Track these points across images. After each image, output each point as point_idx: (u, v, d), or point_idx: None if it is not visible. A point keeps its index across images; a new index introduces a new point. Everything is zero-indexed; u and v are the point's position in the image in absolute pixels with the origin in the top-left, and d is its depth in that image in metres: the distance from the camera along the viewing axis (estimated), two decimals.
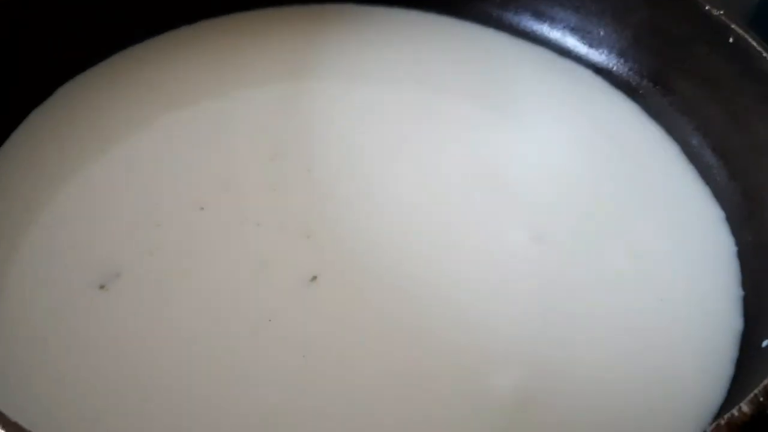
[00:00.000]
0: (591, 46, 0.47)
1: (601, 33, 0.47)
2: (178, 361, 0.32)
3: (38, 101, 0.41)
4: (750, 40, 0.38)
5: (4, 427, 0.22)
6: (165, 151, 0.41)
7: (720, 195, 0.40)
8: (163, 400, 0.30)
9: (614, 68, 0.46)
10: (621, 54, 0.46)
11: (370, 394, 0.31)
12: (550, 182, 0.41)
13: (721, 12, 0.40)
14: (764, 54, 0.37)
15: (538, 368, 0.33)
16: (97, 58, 0.44)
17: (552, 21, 0.48)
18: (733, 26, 0.39)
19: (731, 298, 0.36)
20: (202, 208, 0.37)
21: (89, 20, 0.43)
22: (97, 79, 0.44)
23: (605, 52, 0.47)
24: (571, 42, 0.48)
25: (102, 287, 0.34)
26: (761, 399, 0.24)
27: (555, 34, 0.48)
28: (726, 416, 0.23)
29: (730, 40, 0.39)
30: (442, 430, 0.31)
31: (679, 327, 0.35)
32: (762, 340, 0.32)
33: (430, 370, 0.32)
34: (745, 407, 0.23)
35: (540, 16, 0.49)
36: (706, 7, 0.40)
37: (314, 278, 0.34)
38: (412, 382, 0.32)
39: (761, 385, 0.24)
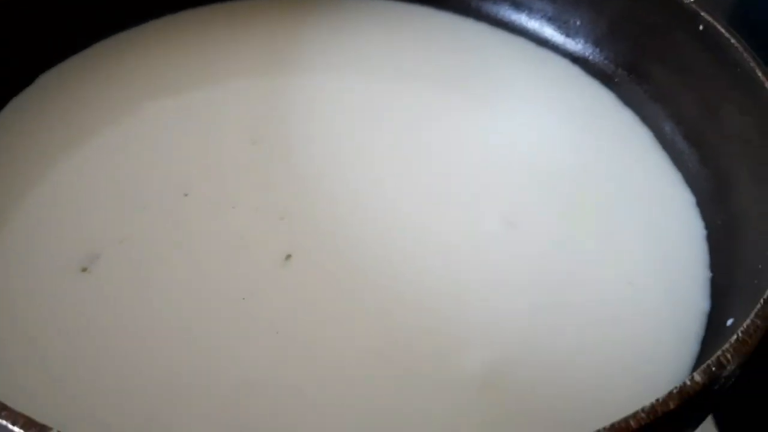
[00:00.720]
0: (568, 35, 0.48)
1: (578, 23, 0.48)
2: (157, 340, 0.32)
3: (19, 89, 0.42)
4: (719, 27, 0.39)
5: None
6: (147, 138, 0.41)
7: (691, 180, 0.41)
8: (143, 377, 0.31)
9: (590, 57, 0.47)
10: (596, 43, 0.47)
11: (342, 369, 0.32)
12: (525, 168, 0.42)
13: (692, 0, 0.40)
14: (732, 41, 0.38)
15: (507, 348, 0.34)
16: (79, 47, 0.44)
17: (530, 11, 0.49)
18: (702, 14, 0.40)
19: (699, 279, 0.37)
20: (186, 194, 0.38)
21: (71, 8, 0.43)
22: (78, 68, 0.44)
23: (581, 41, 0.48)
24: (549, 32, 0.49)
25: (84, 270, 0.34)
26: (713, 369, 0.24)
27: (533, 24, 0.49)
28: (678, 385, 0.24)
29: (700, 27, 0.40)
30: (412, 404, 0.31)
31: (647, 307, 0.36)
32: (727, 319, 0.33)
33: (400, 348, 0.33)
34: (697, 377, 0.24)
35: (518, 6, 0.49)
36: None
37: (288, 257, 0.35)
38: (383, 359, 0.32)
39: (714, 357, 0.25)
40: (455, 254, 0.37)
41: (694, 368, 0.33)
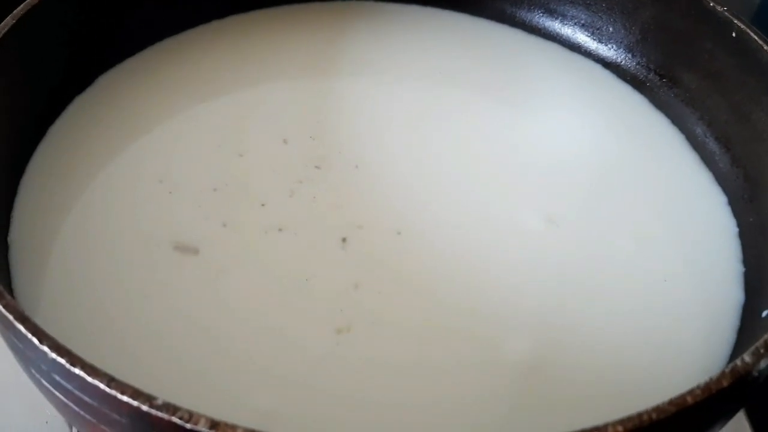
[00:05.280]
0: (600, 41, 0.50)
1: (610, 29, 0.49)
2: (238, 318, 0.34)
3: (82, 89, 0.44)
4: (752, 34, 0.40)
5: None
6: (198, 137, 0.43)
7: (722, 180, 0.43)
8: (227, 350, 0.33)
9: (622, 62, 0.49)
10: (629, 49, 0.49)
11: (395, 353, 0.34)
12: (562, 169, 0.44)
13: (725, 8, 0.42)
14: (765, 47, 0.40)
15: (550, 337, 0.35)
16: (135, 50, 0.47)
17: (563, 18, 0.51)
18: (735, 21, 0.41)
19: (733, 274, 0.39)
20: (244, 188, 0.40)
21: (128, 14, 0.46)
22: (134, 69, 0.46)
23: (614, 47, 0.49)
24: (582, 38, 0.51)
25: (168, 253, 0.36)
26: (762, 351, 0.26)
27: (566, 30, 0.51)
28: (730, 365, 0.26)
29: (733, 34, 0.42)
30: (458, 387, 0.33)
31: (684, 302, 0.37)
32: (762, 311, 0.34)
33: (450, 335, 0.35)
34: (747, 358, 0.26)
35: (552, 13, 0.51)
36: (711, 4, 0.43)
37: (344, 240, 0.37)
38: (434, 346, 0.34)
39: (761, 340, 0.27)
40: (503, 248, 0.39)
41: (732, 355, 0.35)
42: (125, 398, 0.23)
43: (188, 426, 0.23)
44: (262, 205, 0.39)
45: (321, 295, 0.35)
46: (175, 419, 0.23)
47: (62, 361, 0.24)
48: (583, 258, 0.39)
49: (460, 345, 0.35)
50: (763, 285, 0.37)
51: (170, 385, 0.29)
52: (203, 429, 0.23)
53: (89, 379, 0.24)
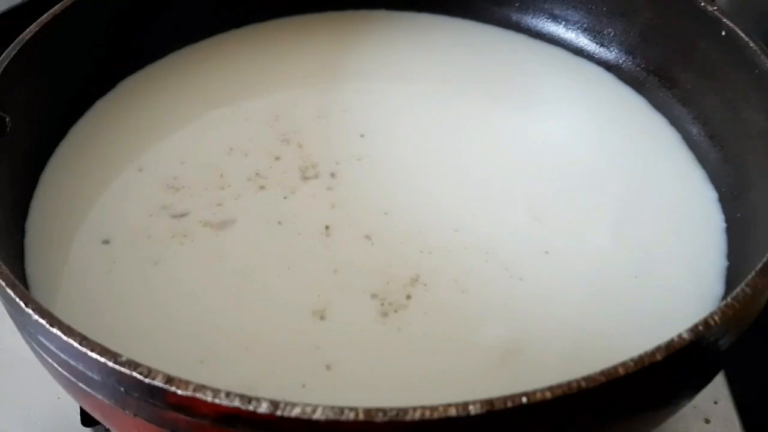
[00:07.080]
0: (602, 44, 0.51)
1: (611, 33, 0.50)
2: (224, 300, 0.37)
3: (102, 93, 0.47)
4: (739, 31, 0.41)
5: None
6: (211, 142, 0.46)
7: (714, 178, 0.43)
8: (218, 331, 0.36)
9: (623, 64, 0.50)
10: (629, 51, 0.50)
11: (373, 338, 0.36)
12: (561, 167, 0.45)
13: (715, 7, 0.43)
14: (751, 44, 0.40)
15: (525, 323, 0.37)
16: (157, 56, 0.50)
17: (566, 23, 0.52)
18: (724, 20, 0.42)
19: (717, 268, 0.39)
20: (221, 189, 0.43)
21: (150, 24, 0.49)
22: (153, 76, 0.50)
23: (615, 49, 0.50)
24: (584, 41, 0.52)
25: (177, 237, 0.39)
26: (700, 328, 0.27)
27: (569, 34, 0.52)
28: (666, 341, 0.27)
29: (723, 33, 0.42)
30: (438, 366, 0.35)
31: (667, 293, 0.38)
32: None
33: (428, 321, 0.36)
34: (685, 334, 0.26)
35: (555, 18, 0.53)
36: (701, 3, 0.43)
37: (327, 227, 0.40)
38: (411, 331, 0.36)
39: (701, 319, 0.27)
40: (488, 239, 0.40)
41: None
42: (94, 355, 0.26)
43: (146, 381, 0.25)
44: (266, 203, 0.42)
45: (301, 284, 0.38)
46: (135, 374, 0.25)
47: (43, 321, 0.27)
48: (569, 252, 0.40)
49: (439, 326, 0.36)
50: (743, 278, 0.37)
51: (181, 362, 0.32)
52: (159, 383, 0.25)
53: (65, 338, 0.27)
